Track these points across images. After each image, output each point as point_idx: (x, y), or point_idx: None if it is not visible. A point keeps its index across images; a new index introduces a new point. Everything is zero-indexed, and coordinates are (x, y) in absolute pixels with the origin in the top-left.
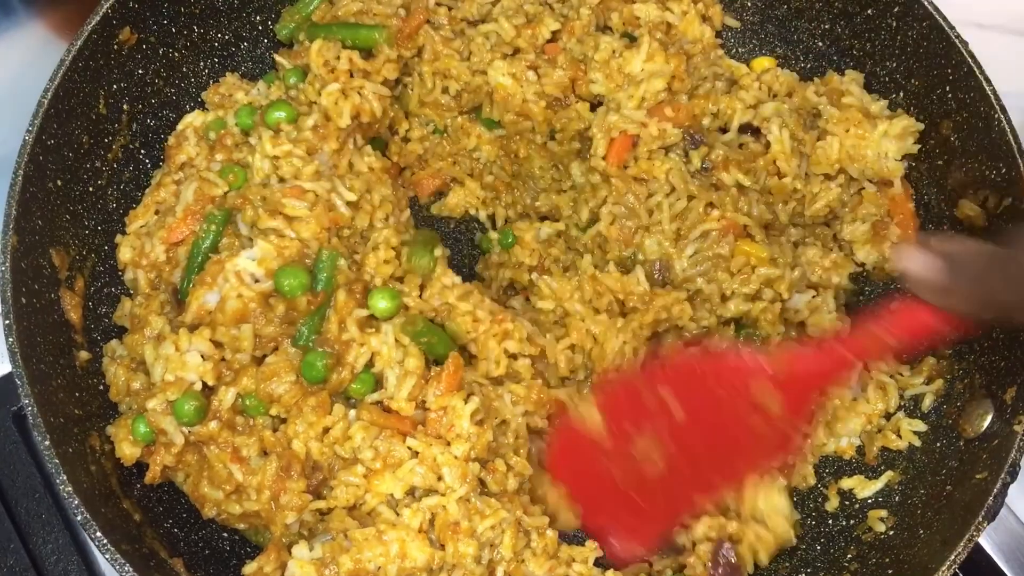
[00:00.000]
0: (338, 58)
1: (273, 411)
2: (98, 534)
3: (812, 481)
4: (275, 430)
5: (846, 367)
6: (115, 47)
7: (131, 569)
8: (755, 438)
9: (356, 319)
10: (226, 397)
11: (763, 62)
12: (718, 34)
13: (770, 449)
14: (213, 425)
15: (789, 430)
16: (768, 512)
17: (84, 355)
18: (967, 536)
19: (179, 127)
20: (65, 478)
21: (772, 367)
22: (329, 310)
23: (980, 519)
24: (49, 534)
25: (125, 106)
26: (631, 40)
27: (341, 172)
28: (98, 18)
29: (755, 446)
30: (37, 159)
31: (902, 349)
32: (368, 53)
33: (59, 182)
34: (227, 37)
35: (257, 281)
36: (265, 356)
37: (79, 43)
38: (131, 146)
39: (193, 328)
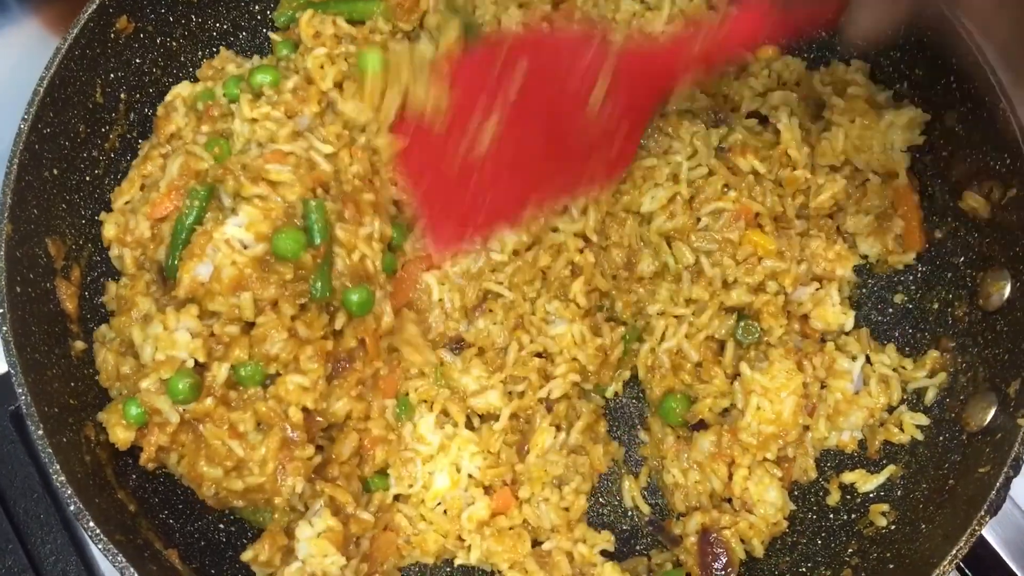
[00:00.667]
0: (326, 23)
1: (271, 370)
2: (91, 524)
3: (813, 475)
4: (268, 399)
5: (691, 64)
6: (112, 36)
7: (124, 559)
8: (587, 145)
9: (362, 236)
10: (220, 372)
11: (768, 51)
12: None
13: (602, 162)
14: (208, 402)
15: (624, 143)
16: (758, 499)
17: (80, 345)
18: (969, 530)
19: (167, 98)
20: (58, 467)
21: (618, 59)
22: (334, 250)
23: (982, 513)
24: (47, 534)
25: (122, 95)
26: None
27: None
28: (95, 6)
29: (586, 153)
30: (33, 148)
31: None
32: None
33: (55, 171)
34: (225, 26)
35: (247, 247)
36: (251, 324)
37: (75, 31)
38: (128, 135)
39: (186, 303)
